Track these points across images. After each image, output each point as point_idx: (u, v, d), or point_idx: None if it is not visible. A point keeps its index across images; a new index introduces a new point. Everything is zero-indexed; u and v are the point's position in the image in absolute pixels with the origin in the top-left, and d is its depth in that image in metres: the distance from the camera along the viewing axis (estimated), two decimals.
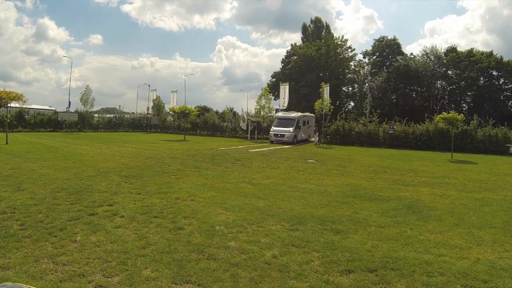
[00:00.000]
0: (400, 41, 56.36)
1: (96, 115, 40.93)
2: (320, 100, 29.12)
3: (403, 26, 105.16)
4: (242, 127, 32.08)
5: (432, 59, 51.17)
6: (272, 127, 29.56)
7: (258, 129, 31.90)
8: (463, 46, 69.35)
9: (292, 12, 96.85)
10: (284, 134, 27.54)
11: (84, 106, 34.58)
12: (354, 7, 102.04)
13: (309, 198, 7.81)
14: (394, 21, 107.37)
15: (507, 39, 72.11)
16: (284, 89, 35.49)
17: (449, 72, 49.17)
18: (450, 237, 5.32)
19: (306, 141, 30.67)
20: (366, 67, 56.70)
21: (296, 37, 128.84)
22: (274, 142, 27.48)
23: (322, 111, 28.69)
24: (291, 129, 28.00)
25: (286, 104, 34.68)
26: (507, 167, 15.27)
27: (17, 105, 22.92)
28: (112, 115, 43.98)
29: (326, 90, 29.60)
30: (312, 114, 32.49)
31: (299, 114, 30.91)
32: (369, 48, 58.82)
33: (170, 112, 40.76)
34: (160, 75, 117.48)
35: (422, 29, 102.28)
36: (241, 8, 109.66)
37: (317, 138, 29.08)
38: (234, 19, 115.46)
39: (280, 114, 31.64)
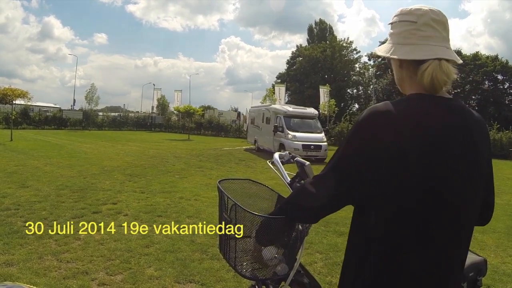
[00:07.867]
0: None
1: (100, 113, 41.16)
2: (324, 102, 29.15)
3: None
4: None
5: None
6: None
7: None
8: (465, 49, 69.07)
9: (293, 14, 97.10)
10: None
11: (89, 104, 34.80)
12: (356, 9, 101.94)
13: None
14: None
15: (510, 43, 71.76)
16: (279, 90, 34.87)
17: (454, 75, 49.08)
18: None
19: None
20: (371, 69, 56.57)
21: (297, 39, 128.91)
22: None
23: (326, 112, 28.73)
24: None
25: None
26: (511, 172, 15.17)
27: (22, 102, 23.10)
28: (116, 114, 44.21)
29: (322, 92, 29.44)
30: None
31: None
32: (371, 51, 58.71)
33: (175, 112, 40.91)
34: (164, 74, 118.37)
35: None
36: (243, 9, 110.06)
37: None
38: (237, 21, 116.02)
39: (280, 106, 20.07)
